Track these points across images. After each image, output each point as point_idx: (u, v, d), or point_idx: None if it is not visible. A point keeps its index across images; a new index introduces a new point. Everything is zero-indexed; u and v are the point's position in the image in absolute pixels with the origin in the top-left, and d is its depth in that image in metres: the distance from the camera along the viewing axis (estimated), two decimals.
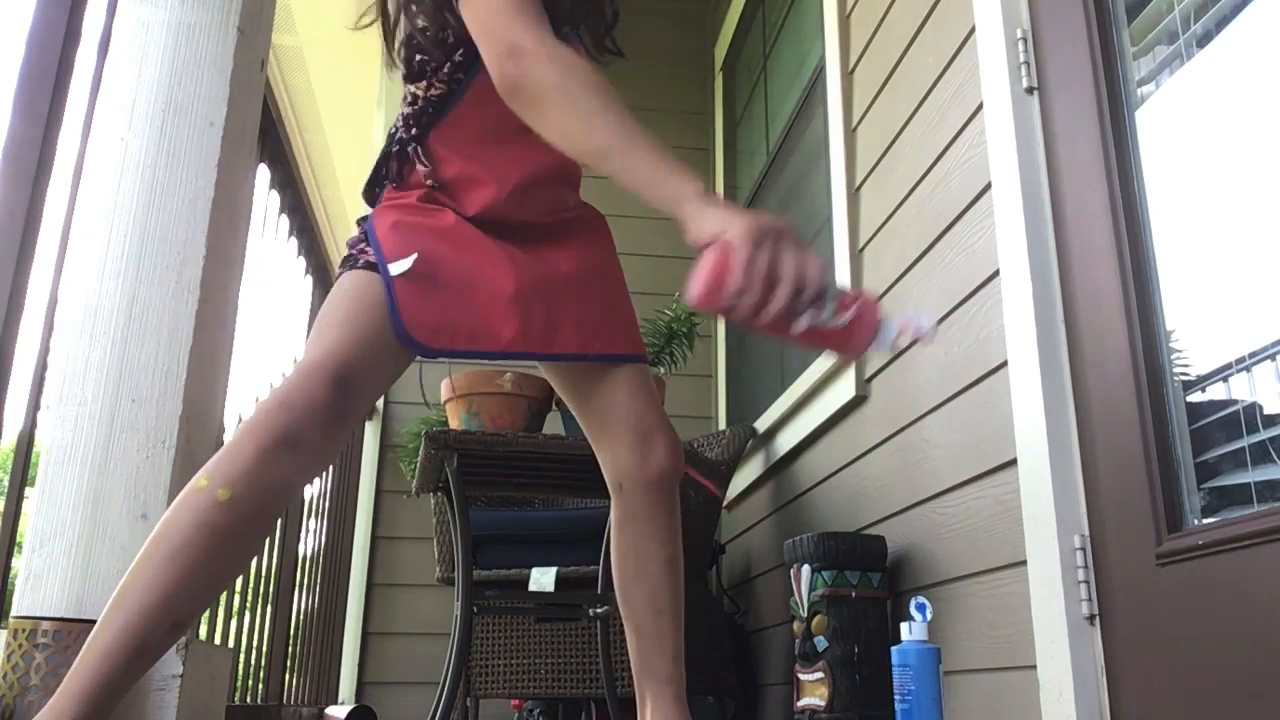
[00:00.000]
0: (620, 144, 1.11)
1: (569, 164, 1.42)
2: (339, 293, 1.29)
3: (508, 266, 1.30)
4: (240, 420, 2.10)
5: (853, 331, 1.00)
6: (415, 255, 1.26)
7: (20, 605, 1.51)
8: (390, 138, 1.40)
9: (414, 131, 1.36)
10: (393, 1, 1.38)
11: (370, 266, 1.28)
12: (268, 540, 2.69)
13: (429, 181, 1.36)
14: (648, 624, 1.37)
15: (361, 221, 1.38)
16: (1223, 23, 1.38)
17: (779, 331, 0.99)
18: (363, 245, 1.32)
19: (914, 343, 1.04)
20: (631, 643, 1.39)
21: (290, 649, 2.98)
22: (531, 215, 1.37)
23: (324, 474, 3.32)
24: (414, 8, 1.34)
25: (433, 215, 1.33)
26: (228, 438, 1.60)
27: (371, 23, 1.41)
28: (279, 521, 2.81)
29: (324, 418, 1.15)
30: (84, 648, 1.07)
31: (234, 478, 1.12)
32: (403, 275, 1.25)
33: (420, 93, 1.36)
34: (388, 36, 1.40)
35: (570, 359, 1.36)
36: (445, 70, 1.34)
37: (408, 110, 1.37)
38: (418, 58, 1.36)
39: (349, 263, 1.32)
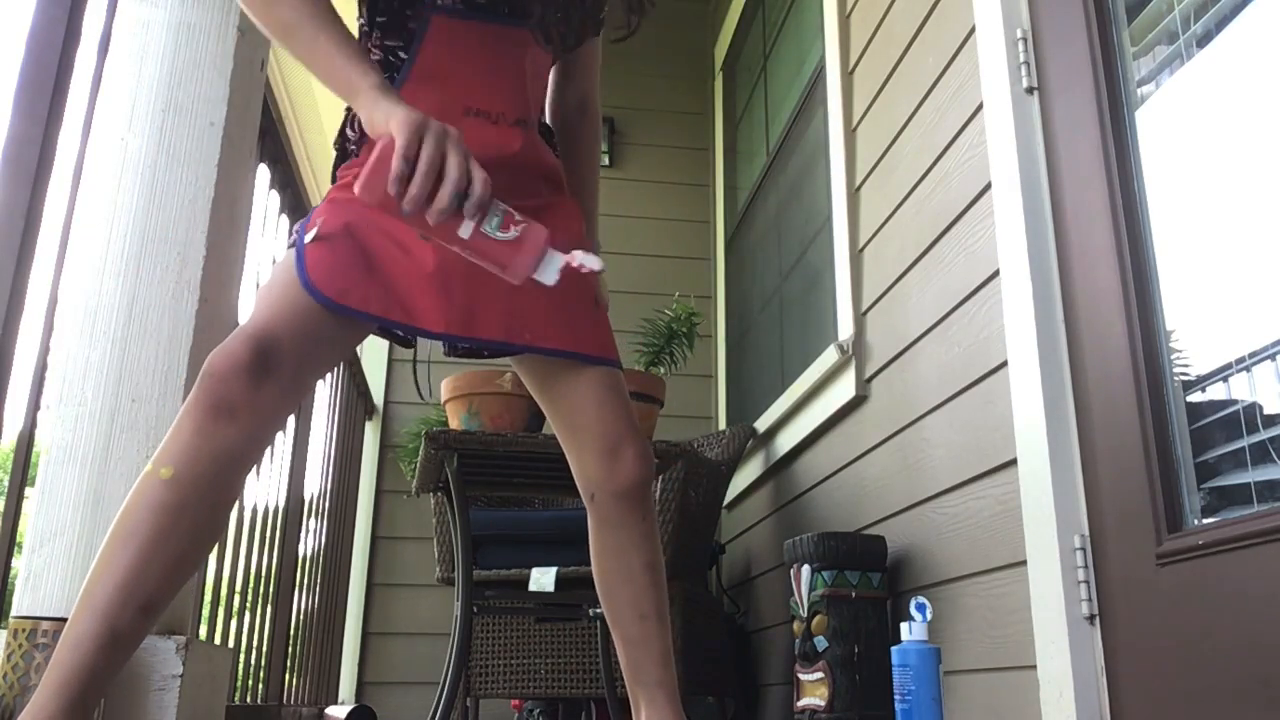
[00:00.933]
0: (302, 23, 1.17)
1: (538, 154, 1.41)
2: (274, 271, 1.32)
3: (432, 245, 1.29)
4: None
5: (517, 250, 1.03)
6: (321, 220, 1.29)
7: (20, 605, 1.51)
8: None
9: None
10: None
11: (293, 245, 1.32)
12: (268, 540, 2.69)
13: (351, 147, 1.39)
14: (633, 630, 1.36)
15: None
16: (1223, 23, 1.38)
17: (445, 236, 1.04)
18: (298, 228, 1.35)
19: (585, 270, 1.05)
20: (620, 651, 1.39)
21: (290, 649, 2.98)
22: None
23: (324, 473, 3.32)
24: None
25: None
26: None
27: None
28: (280, 521, 2.81)
29: (245, 377, 1.16)
30: (59, 643, 1.08)
31: (175, 455, 1.14)
32: (312, 240, 1.28)
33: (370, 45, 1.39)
34: None
35: (496, 346, 1.35)
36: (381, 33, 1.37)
37: None
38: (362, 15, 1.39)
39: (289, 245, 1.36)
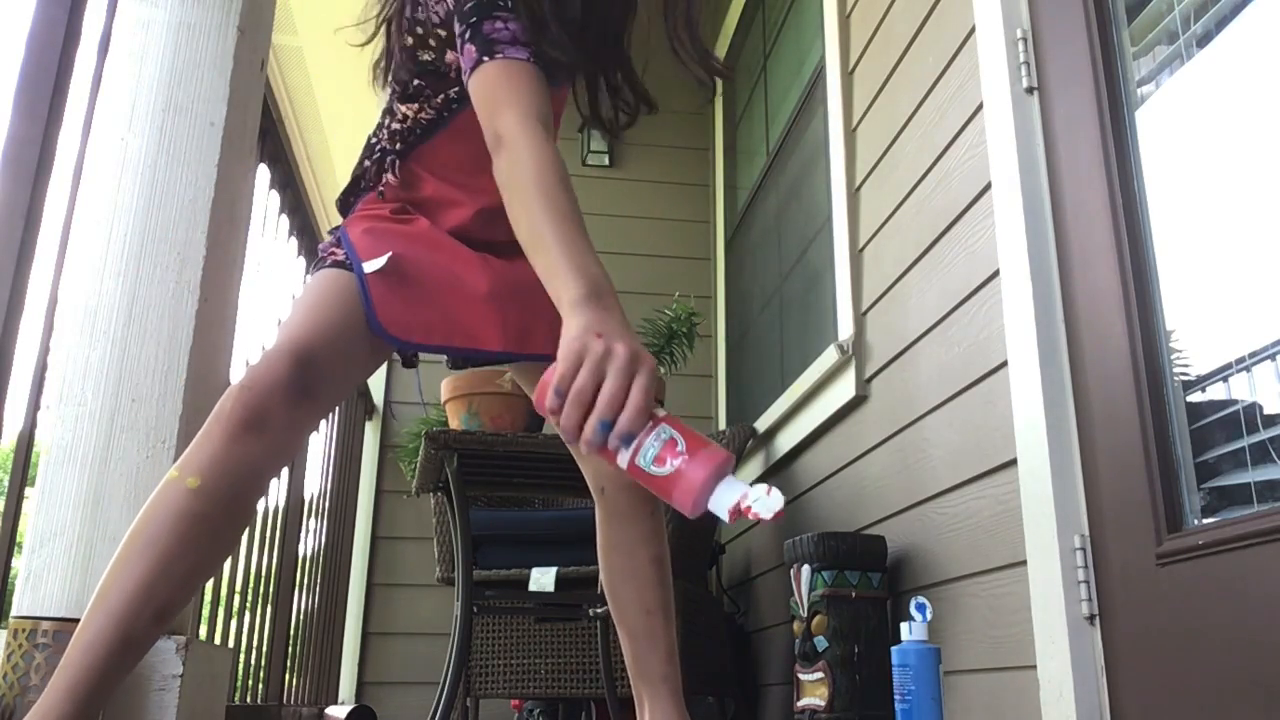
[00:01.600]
0: (536, 244, 1.06)
1: None
2: (306, 289, 1.33)
3: (481, 269, 1.33)
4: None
5: (674, 486, 0.88)
6: (389, 254, 1.29)
7: (20, 605, 1.51)
8: (369, 147, 1.43)
9: (398, 147, 1.40)
10: (398, 29, 1.38)
11: (340, 265, 1.31)
12: (268, 540, 2.69)
13: (382, 189, 1.41)
14: (639, 625, 1.37)
15: (334, 231, 1.41)
16: (1223, 23, 1.38)
17: (607, 458, 0.92)
18: (334, 249, 1.35)
19: (758, 520, 0.86)
20: (625, 646, 1.39)
21: (290, 649, 2.98)
22: (504, 235, 1.38)
23: (324, 473, 3.32)
24: (421, 39, 1.36)
25: (406, 223, 1.37)
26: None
27: (368, 42, 1.43)
28: (280, 521, 2.81)
29: (285, 395, 1.16)
30: (70, 644, 1.08)
31: (203, 465, 1.14)
32: (377, 272, 1.28)
33: (411, 114, 1.40)
34: (387, 56, 1.41)
35: (546, 360, 1.36)
36: (439, 99, 1.38)
37: (396, 127, 1.41)
38: (415, 82, 1.38)
39: (318, 264, 1.35)
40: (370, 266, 1.28)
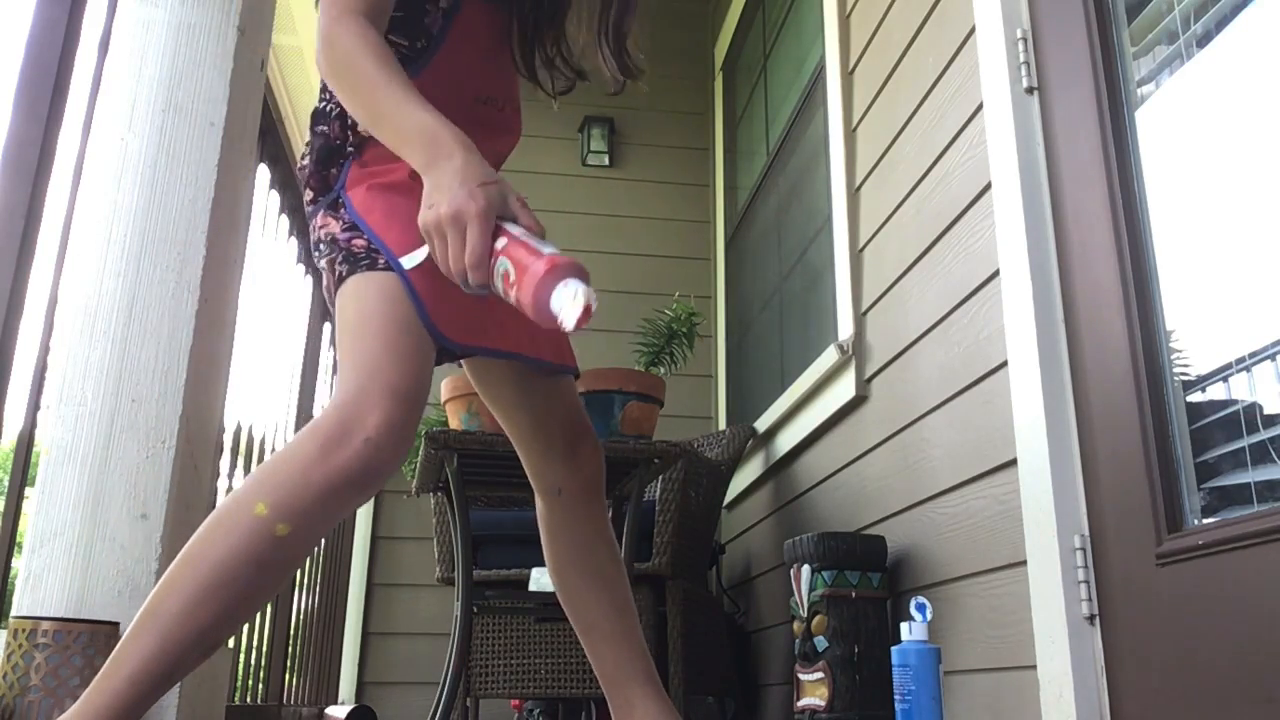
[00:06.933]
0: (374, 123, 1.12)
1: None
2: (371, 302, 1.15)
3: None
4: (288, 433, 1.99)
5: (524, 309, 0.96)
6: (427, 247, 1.13)
7: (20, 605, 1.51)
8: (323, 114, 1.28)
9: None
10: None
11: (387, 267, 1.15)
12: None
13: (349, 146, 1.25)
14: (611, 625, 1.34)
15: (324, 206, 1.24)
16: (1223, 23, 1.38)
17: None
18: (356, 239, 1.18)
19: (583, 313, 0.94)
20: (599, 649, 1.34)
21: (290, 649, 2.98)
22: None
23: None
24: None
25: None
26: (228, 439, 1.49)
27: None
28: None
29: (402, 448, 1.07)
30: (111, 665, 1.01)
31: (297, 512, 1.03)
32: (417, 268, 1.13)
33: None
34: None
35: (546, 366, 1.33)
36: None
37: None
38: None
39: (356, 261, 1.17)
40: (409, 262, 1.12)
